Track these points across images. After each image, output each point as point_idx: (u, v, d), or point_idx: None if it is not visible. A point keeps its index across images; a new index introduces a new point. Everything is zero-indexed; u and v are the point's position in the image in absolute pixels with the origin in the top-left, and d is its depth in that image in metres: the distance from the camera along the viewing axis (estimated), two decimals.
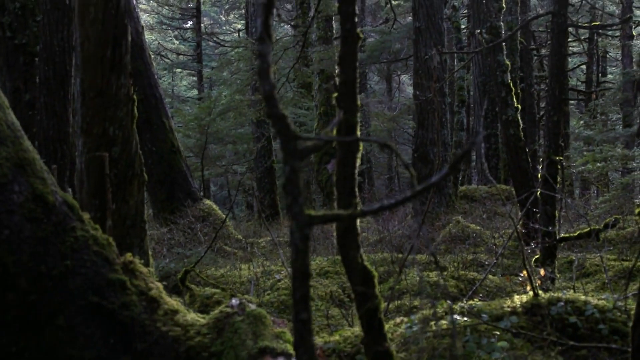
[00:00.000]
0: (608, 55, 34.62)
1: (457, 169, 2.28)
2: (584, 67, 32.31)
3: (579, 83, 35.24)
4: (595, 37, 29.84)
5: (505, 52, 12.35)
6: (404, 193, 1.95)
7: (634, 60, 25.84)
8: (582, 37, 29.59)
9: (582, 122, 26.12)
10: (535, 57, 27.16)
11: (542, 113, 31.68)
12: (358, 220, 3.75)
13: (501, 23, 12.36)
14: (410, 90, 44.71)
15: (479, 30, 12.29)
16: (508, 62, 12.44)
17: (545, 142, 8.73)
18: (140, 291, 3.54)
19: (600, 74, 31.83)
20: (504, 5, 12.42)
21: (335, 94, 4.43)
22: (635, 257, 10.92)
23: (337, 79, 4.35)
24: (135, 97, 7.24)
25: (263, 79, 2.58)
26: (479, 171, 24.79)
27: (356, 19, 4.23)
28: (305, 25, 24.13)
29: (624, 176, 22.24)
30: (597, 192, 23.25)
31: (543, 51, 29.34)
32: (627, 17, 11.40)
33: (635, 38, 25.81)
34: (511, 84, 12.37)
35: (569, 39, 29.39)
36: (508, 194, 18.53)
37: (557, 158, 8.52)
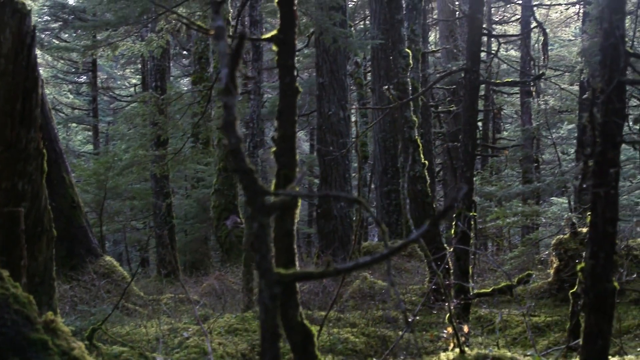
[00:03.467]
0: (503, 113, 35.52)
1: (438, 225, 2.22)
2: (479, 123, 33.12)
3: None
4: (492, 94, 30.60)
5: (412, 109, 12.52)
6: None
7: (532, 117, 26.57)
8: (480, 94, 30.31)
9: (480, 178, 26.61)
10: (434, 114, 27.66)
11: (438, 169, 32.24)
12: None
13: (408, 79, 12.55)
14: (306, 146, 45.02)
15: (386, 87, 12.41)
16: (415, 119, 12.60)
17: (458, 197, 8.80)
18: (63, 351, 3.43)
19: (495, 131, 32.59)
20: (410, 61, 12.62)
21: (273, 149, 4.35)
22: (545, 312, 11.08)
23: (274, 134, 4.28)
24: (44, 151, 7.02)
25: (229, 132, 2.48)
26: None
27: (295, 72, 4.17)
28: (204, 79, 24.06)
29: (529, 233, 22.72)
30: (497, 247, 23.65)
31: (440, 107, 29.93)
32: (540, 74, 11.67)
33: (533, 95, 26.57)
34: (418, 140, 12.53)
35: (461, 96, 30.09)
36: (411, 249, 18.65)
37: (471, 214, 8.61)
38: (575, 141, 32.54)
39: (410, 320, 8.09)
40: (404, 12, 13.34)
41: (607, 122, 3.65)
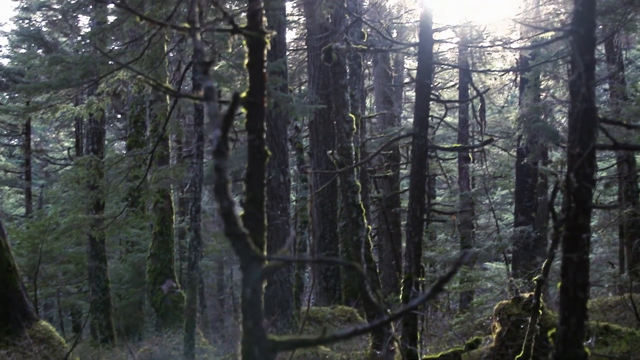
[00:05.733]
0: (437, 178, 35.84)
1: (439, 292, 2.16)
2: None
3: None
4: (427, 160, 30.83)
5: (355, 174, 12.53)
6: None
7: (470, 182, 26.89)
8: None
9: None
10: (371, 179, 27.77)
11: (373, 234, 32.27)
12: None
13: (352, 144, 12.57)
14: (240, 209, 44.73)
15: (330, 152, 12.44)
16: (358, 183, 12.61)
17: (406, 263, 8.81)
18: None
19: (429, 197, 32.81)
20: (354, 126, 12.67)
21: (242, 212, 4.27)
22: None
23: (244, 197, 4.20)
24: None
25: (221, 195, 2.41)
26: (317, 292, 24.80)
27: (264, 135, 4.12)
28: (140, 143, 23.88)
29: (467, 298, 22.82)
30: (435, 312, 23.66)
31: (376, 173, 30.07)
32: (489, 139, 11.82)
33: (471, 161, 26.90)
34: (362, 205, 12.52)
35: (401, 162, 30.34)
36: (350, 315, 18.59)
37: (420, 279, 8.59)
38: (509, 206, 33.02)
39: None
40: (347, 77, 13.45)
41: (578, 188, 3.66)
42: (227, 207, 2.35)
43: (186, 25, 3.73)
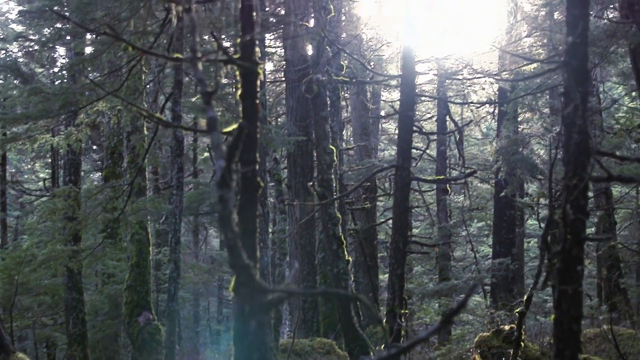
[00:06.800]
0: (414, 211, 35.87)
1: (450, 324, 2.14)
2: (390, 221, 33.26)
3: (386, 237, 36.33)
4: None
5: (336, 206, 12.54)
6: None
7: (447, 214, 26.95)
8: (391, 192, 30.64)
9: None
10: (349, 211, 27.74)
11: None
12: None
13: (332, 176, 12.57)
14: (216, 242, 44.73)
15: (311, 183, 12.44)
16: (339, 215, 12.60)
17: (389, 295, 8.78)
18: None
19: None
20: (335, 158, 12.68)
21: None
22: None
23: (237, 229, 4.15)
24: None
25: (226, 227, 2.37)
26: (294, 324, 24.69)
27: (257, 166, 4.09)
28: (116, 175, 23.76)
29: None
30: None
31: (354, 205, 30.04)
32: (472, 171, 11.82)
33: (449, 193, 26.99)
34: (342, 237, 12.51)
35: (378, 194, 30.36)
36: (329, 347, 18.47)
37: (403, 311, 8.56)
38: (485, 238, 33.14)
39: None
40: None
41: (573, 220, 3.65)
42: (232, 239, 2.32)
43: (179, 55, 3.72)
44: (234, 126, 3.95)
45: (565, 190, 3.48)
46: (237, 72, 3.90)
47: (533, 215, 25.85)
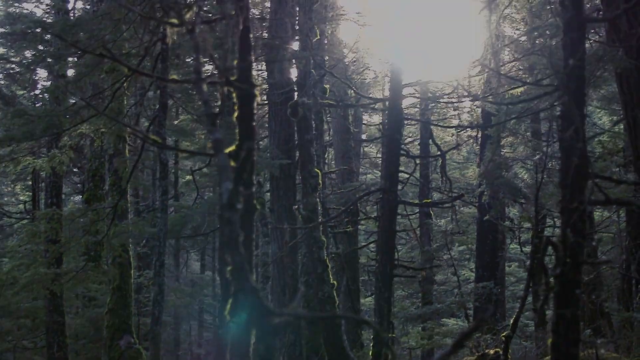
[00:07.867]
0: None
1: (462, 346, 2.13)
2: (372, 245, 33.24)
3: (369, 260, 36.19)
4: None
5: (321, 229, 12.52)
6: None
7: (430, 238, 26.95)
8: (373, 215, 30.61)
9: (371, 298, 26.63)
10: (331, 234, 27.69)
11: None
12: None
13: (317, 199, 12.56)
14: (197, 265, 44.58)
15: (296, 206, 12.42)
16: (324, 239, 12.58)
17: (376, 319, 8.75)
18: None
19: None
20: (320, 181, 12.67)
21: (229, 268, 4.19)
22: None
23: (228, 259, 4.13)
24: None
25: (232, 250, 2.35)
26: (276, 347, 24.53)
27: (254, 188, 4.07)
28: (98, 197, 23.63)
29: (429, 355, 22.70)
30: None
31: (336, 229, 29.98)
32: (459, 195, 11.87)
33: (432, 217, 27.03)
34: (327, 260, 12.48)
35: (360, 217, 30.32)
36: None
37: (390, 335, 8.53)
38: (466, 262, 33.12)
39: None
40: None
41: (571, 243, 3.65)
42: (239, 262, 2.30)
43: (175, 77, 3.72)
44: (232, 148, 3.94)
45: (564, 214, 3.48)
46: (234, 94, 3.88)
47: (514, 240, 25.90)
